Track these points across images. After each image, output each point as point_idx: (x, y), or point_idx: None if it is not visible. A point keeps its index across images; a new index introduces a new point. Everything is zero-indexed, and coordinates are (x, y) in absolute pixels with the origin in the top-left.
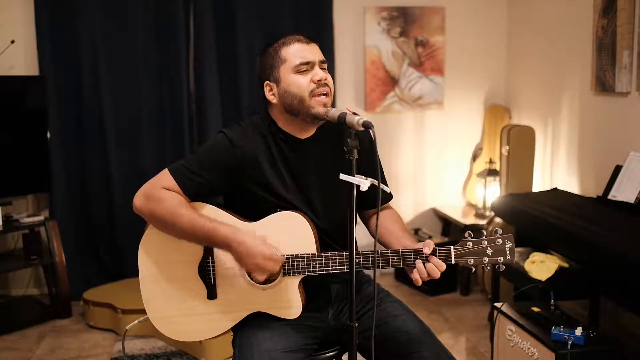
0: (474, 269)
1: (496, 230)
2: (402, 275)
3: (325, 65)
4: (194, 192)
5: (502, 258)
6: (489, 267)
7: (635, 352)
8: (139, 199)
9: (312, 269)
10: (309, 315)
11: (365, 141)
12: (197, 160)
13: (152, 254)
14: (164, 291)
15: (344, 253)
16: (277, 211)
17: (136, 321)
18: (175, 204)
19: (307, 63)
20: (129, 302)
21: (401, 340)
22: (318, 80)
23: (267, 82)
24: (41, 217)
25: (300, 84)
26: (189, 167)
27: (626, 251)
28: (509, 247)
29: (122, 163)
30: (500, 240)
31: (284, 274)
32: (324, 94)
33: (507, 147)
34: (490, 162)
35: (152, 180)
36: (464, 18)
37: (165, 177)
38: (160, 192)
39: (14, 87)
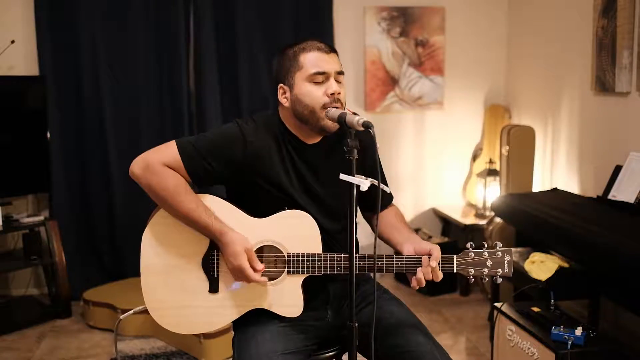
0: (473, 279)
1: (496, 243)
2: (402, 276)
3: (342, 77)
4: (196, 175)
5: (500, 271)
6: (487, 279)
7: (635, 352)
8: (139, 166)
9: (316, 269)
10: (308, 315)
11: (368, 142)
12: (206, 144)
13: (155, 245)
14: (164, 282)
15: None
16: (285, 209)
17: (131, 311)
18: (177, 187)
19: (323, 73)
20: (129, 302)
21: (398, 338)
22: (331, 94)
23: (281, 84)
24: (41, 217)
25: (313, 96)
26: (197, 148)
27: (626, 251)
28: (508, 261)
29: (122, 163)
30: (500, 253)
31: (288, 272)
32: (336, 108)
33: (507, 147)
34: (490, 162)
35: (156, 150)
36: (464, 18)
37: (170, 150)
38: (162, 167)
39: (14, 87)
